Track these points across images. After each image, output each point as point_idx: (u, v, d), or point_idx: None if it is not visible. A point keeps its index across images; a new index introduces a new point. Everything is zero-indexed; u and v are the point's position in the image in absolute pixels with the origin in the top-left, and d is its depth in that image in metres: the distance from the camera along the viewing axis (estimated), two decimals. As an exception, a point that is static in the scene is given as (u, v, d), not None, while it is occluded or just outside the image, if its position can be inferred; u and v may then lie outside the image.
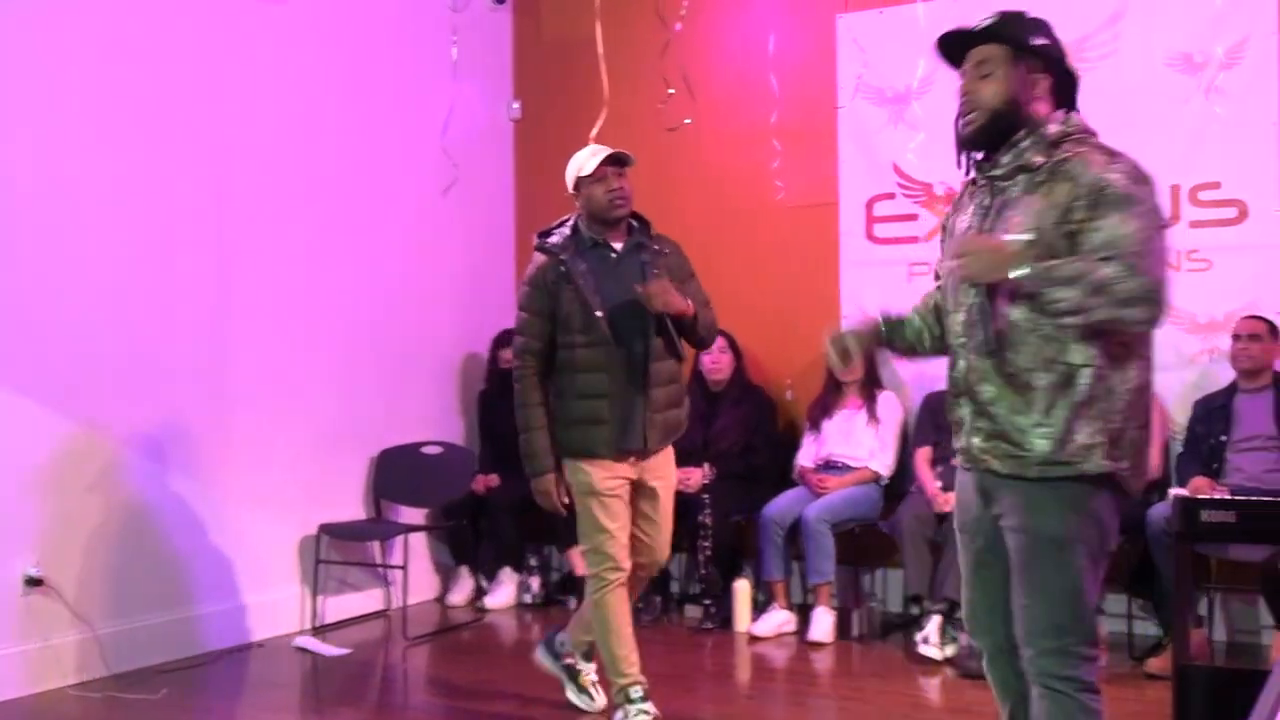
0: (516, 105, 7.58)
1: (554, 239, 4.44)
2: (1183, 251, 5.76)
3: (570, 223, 4.47)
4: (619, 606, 4.39)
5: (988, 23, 3.05)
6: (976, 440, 3.00)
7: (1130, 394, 2.91)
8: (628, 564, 4.41)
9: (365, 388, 6.57)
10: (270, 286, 6.06)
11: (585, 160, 4.37)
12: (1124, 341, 2.88)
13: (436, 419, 7.01)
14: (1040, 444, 2.89)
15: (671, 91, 6.37)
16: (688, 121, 6.40)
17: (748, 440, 6.44)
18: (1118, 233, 2.78)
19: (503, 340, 6.99)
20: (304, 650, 5.82)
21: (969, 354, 3.01)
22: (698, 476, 6.24)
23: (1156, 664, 5.11)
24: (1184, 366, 5.77)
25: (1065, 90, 3.06)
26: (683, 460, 6.35)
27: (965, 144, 3.09)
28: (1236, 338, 5.42)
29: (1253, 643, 5.51)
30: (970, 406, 3.01)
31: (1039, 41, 3.03)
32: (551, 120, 7.43)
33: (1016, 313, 2.89)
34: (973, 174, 3.11)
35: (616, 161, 4.36)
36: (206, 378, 5.75)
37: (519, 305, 4.45)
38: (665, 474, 4.51)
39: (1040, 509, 2.93)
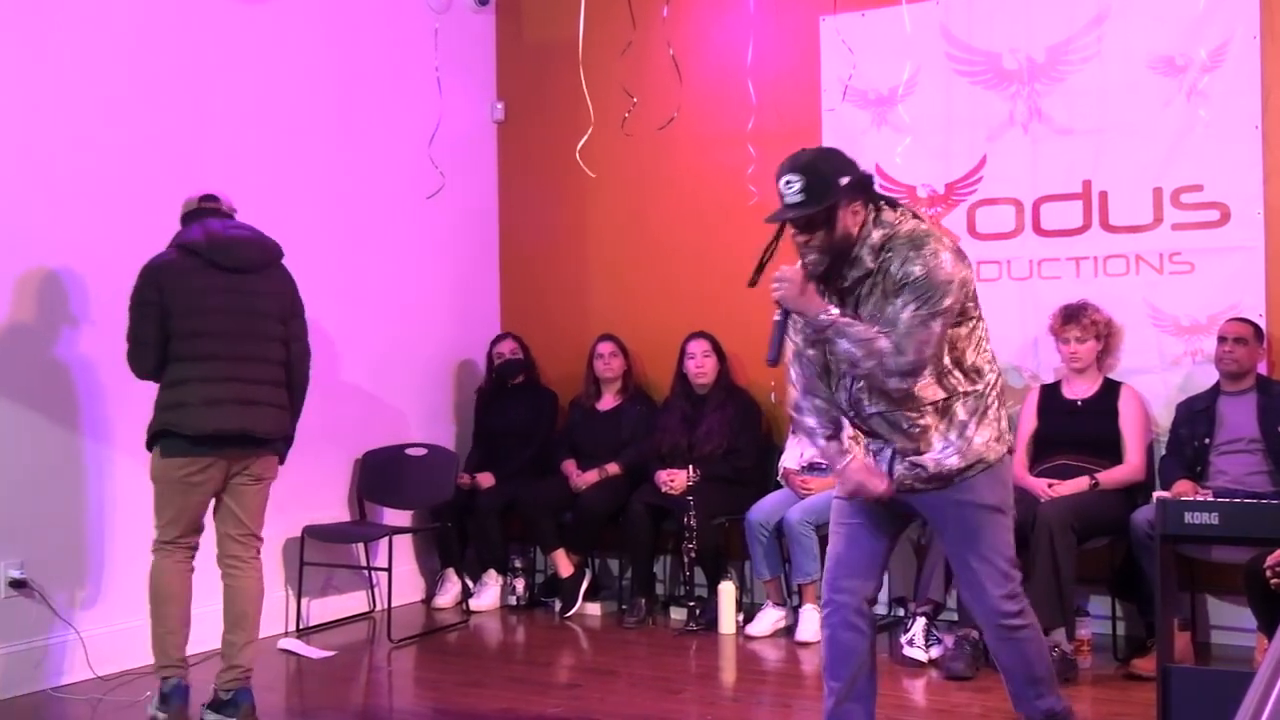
0: (500, 106, 7.57)
1: None
2: (1165, 254, 5.79)
3: None
4: None
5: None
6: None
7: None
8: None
9: (348, 389, 6.54)
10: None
11: None
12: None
13: (421, 421, 7.00)
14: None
15: (635, 100, 6.31)
16: (675, 116, 6.33)
17: (732, 443, 6.44)
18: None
19: (499, 337, 7.18)
20: (288, 652, 5.81)
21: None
22: (682, 479, 6.24)
23: (1142, 665, 5.11)
24: (1167, 369, 5.79)
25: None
26: (668, 463, 6.40)
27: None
28: (1222, 340, 5.42)
29: (1237, 644, 5.52)
30: None
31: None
32: (535, 120, 7.43)
33: None
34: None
35: None
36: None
37: None
38: None
39: None
